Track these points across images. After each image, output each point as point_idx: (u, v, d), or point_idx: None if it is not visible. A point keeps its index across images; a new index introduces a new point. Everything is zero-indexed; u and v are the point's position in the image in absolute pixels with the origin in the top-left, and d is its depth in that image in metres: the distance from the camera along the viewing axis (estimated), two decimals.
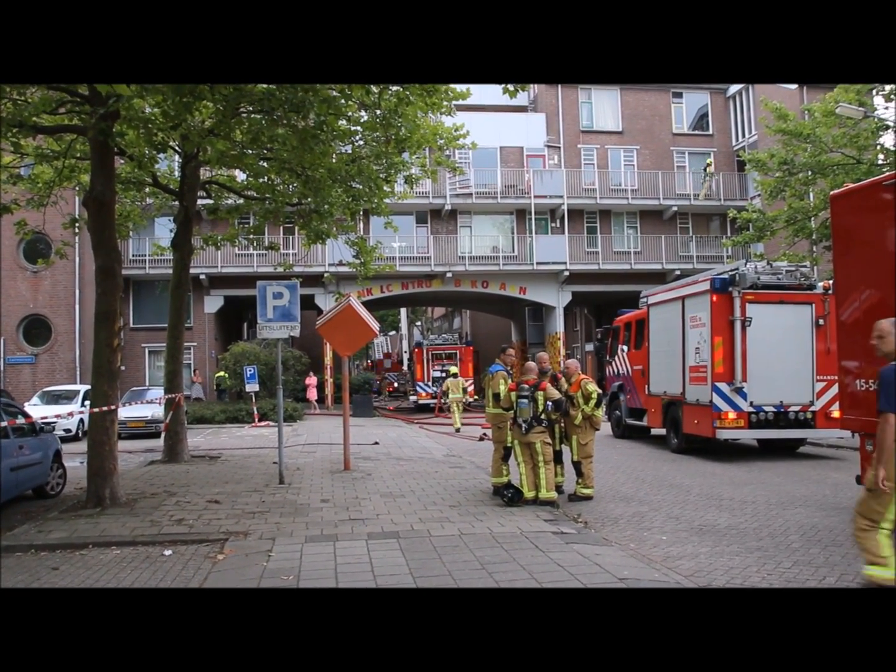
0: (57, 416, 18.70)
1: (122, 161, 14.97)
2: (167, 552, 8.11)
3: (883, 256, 8.85)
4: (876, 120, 22.36)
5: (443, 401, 29.51)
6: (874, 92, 23.54)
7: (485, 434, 18.95)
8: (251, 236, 19.46)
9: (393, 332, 74.64)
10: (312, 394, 33.13)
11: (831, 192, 11.55)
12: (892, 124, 22.34)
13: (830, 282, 14.22)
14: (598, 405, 11.17)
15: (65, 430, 21.00)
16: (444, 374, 30.59)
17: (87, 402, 14.02)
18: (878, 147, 23.25)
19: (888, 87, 22.25)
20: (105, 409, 10.83)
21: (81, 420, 21.69)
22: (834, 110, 21.91)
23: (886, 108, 23.03)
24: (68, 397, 24.36)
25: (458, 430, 23.56)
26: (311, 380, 33.22)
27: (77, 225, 16.68)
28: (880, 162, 22.62)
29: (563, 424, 11.17)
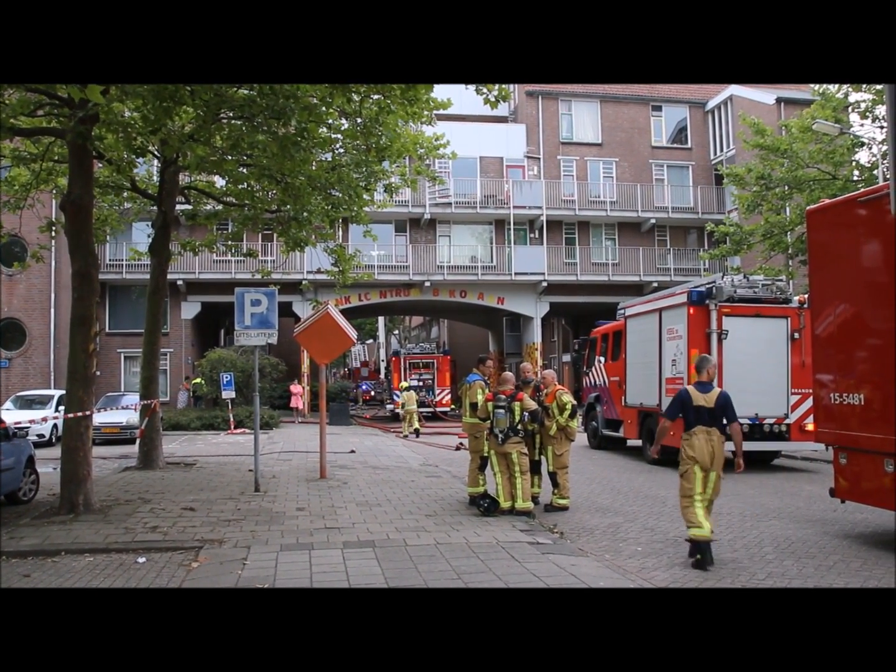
0: (30, 421, 18.45)
1: (100, 165, 14.88)
2: (141, 560, 8.03)
3: (858, 271, 8.98)
4: (851, 137, 22.67)
5: (399, 410, 29.97)
6: (850, 109, 23.86)
7: (461, 444, 18.94)
8: (229, 243, 19.36)
9: (370, 341, 74.54)
10: (298, 402, 32.94)
11: (807, 208, 11.67)
12: (867, 141, 22.64)
13: (806, 296, 14.35)
14: (572, 416, 11.17)
15: (38, 435, 20.70)
16: (412, 387, 31.05)
17: (62, 408, 13.88)
18: (854, 163, 23.57)
19: (864, 105, 22.58)
20: (80, 414, 10.72)
21: (55, 425, 21.45)
22: (811, 126, 22.14)
23: (862, 125, 23.31)
24: (42, 402, 24.07)
25: (416, 434, 25.80)
26: (297, 388, 33.02)
27: (54, 229, 16.56)
28: (855, 178, 22.93)
29: (541, 435, 11.21)
